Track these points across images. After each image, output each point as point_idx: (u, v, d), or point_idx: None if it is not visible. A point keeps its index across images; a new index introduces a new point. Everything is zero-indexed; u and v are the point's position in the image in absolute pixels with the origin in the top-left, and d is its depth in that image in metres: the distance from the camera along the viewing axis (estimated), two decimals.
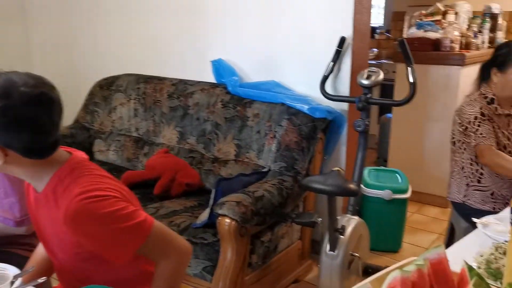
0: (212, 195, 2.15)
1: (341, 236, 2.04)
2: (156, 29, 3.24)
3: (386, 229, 2.80)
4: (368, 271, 2.27)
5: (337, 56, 2.48)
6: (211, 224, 2.08)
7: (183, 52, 3.14)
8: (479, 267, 1.15)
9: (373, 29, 5.29)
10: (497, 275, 1.11)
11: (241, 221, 1.93)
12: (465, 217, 2.10)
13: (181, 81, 2.98)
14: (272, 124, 2.50)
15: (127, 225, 1.13)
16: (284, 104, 2.51)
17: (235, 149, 2.62)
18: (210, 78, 2.93)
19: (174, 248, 1.24)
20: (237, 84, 2.73)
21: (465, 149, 2.09)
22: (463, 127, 2.05)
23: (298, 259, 2.52)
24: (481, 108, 2.02)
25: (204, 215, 2.19)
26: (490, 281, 1.10)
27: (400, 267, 0.94)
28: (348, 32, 2.49)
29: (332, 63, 2.48)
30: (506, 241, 1.21)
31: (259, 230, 2.16)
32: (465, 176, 2.12)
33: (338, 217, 2.08)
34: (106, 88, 3.24)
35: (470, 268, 0.98)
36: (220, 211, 1.96)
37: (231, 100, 2.69)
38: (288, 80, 2.72)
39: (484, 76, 2.12)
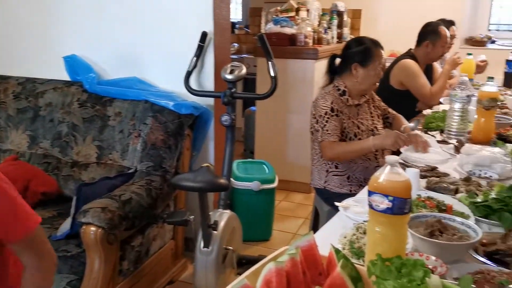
0: (73, 203, 1.98)
1: (214, 232, 2.03)
2: None
3: (257, 219, 2.88)
4: (242, 262, 2.30)
5: (200, 51, 2.46)
6: (74, 234, 1.91)
7: (29, 48, 2.83)
8: (343, 248, 1.23)
9: (233, 24, 5.39)
10: (359, 253, 1.19)
11: (108, 228, 1.81)
12: (327, 201, 2.25)
13: (29, 79, 2.69)
14: (136, 123, 2.39)
15: (22, 204, 1.18)
16: (148, 101, 2.41)
17: (97, 151, 2.44)
18: (64, 75, 2.69)
19: (49, 253, 1.24)
20: (95, 81, 2.54)
21: (317, 133, 2.21)
22: (315, 119, 2.18)
23: (172, 259, 2.46)
24: (332, 103, 2.15)
25: (65, 225, 2.00)
26: (354, 260, 1.17)
27: (274, 258, 0.95)
28: (209, 27, 2.48)
29: (195, 58, 2.46)
30: (365, 221, 1.31)
31: (129, 235, 2.05)
32: (324, 163, 2.26)
33: (210, 213, 2.06)
34: None
35: (337, 251, 1.03)
36: (83, 219, 1.81)
37: (89, 99, 2.51)
38: (151, 77, 2.62)
39: (337, 70, 2.27)
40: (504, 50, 4.19)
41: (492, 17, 4.85)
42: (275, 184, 2.88)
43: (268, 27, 3.69)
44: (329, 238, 1.30)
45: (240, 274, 0.89)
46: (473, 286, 0.99)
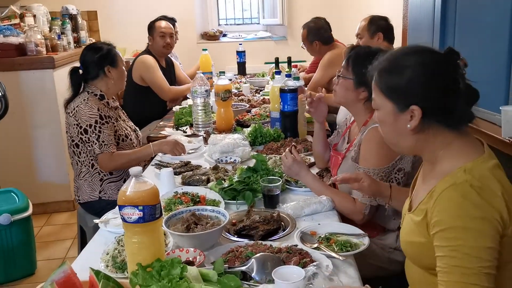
0: None
1: None
2: None
3: (14, 255, 2.53)
4: None
5: None
6: None
7: None
8: (107, 266, 1.20)
9: None
10: (124, 267, 1.17)
11: None
12: (101, 214, 2.13)
13: None
14: None
15: None
16: None
17: None
18: None
19: None
20: None
21: (91, 145, 2.09)
22: (83, 129, 2.07)
23: None
24: (99, 110, 2.09)
25: None
26: (119, 275, 1.16)
27: None
28: None
29: None
30: None
31: None
32: (97, 173, 2.17)
33: None
34: None
35: (97, 272, 1.00)
36: None
37: None
38: None
39: (82, 80, 2.20)
40: (235, 42, 4.68)
41: (220, 12, 5.35)
42: (29, 212, 2.57)
43: None
44: (94, 258, 1.25)
45: None
46: (226, 265, 1.10)
